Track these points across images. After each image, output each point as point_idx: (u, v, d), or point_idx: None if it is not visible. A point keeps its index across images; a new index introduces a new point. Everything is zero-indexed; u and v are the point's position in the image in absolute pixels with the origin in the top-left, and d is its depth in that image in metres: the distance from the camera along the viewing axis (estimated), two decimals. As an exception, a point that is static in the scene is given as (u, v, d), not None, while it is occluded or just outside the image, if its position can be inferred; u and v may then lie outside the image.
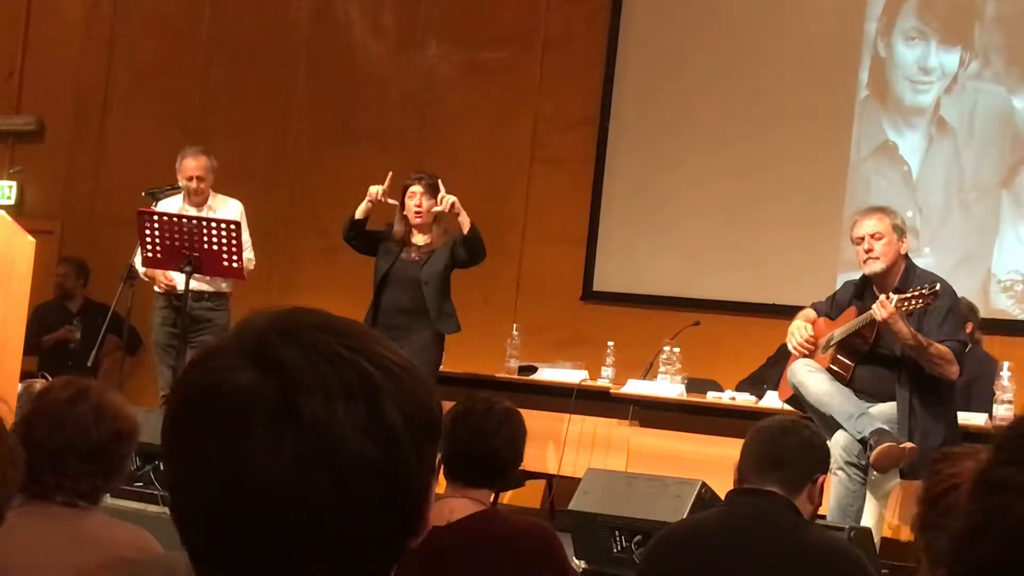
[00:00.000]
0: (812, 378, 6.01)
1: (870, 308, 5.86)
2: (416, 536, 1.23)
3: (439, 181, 7.42)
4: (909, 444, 5.72)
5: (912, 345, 5.78)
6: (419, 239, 7.44)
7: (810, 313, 6.34)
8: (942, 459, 2.46)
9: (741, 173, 9.00)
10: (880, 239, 5.98)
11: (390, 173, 7.48)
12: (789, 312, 6.59)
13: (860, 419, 5.81)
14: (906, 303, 5.70)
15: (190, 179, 7.90)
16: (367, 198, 7.44)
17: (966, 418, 6.22)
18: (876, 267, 5.99)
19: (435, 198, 7.38)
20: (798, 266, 8.63)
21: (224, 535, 1.17)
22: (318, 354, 1.18)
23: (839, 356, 6.07)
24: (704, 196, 9.13)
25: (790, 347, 6.23)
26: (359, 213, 7.45)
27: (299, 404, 1.16)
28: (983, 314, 7.63)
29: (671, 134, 9.32)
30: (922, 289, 5.70)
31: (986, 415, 6.44)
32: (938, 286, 5.71)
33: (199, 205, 7.95)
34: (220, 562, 1.19)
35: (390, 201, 7.45)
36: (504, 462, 3.72)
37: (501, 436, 3.68)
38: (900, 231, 6.02)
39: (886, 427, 5.78)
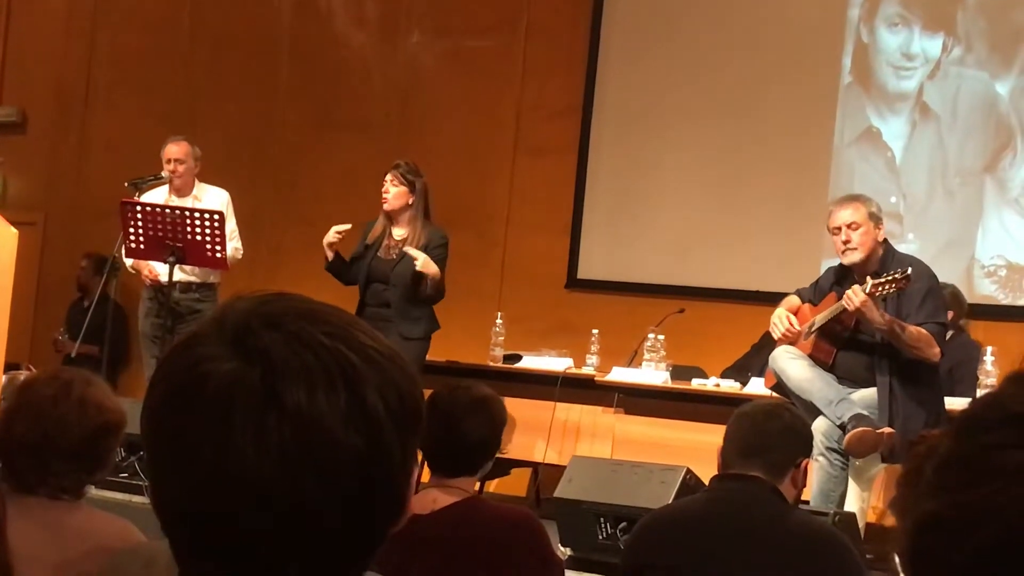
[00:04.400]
0: (792, 365, 6.04)
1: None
2: (398, 523, 1.23)
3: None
4: (887, 429, 5.75)
5: (886, 331, 5.81)
6: (397, 232, 7.41)
7: (793, 300, 6.36)
8: (920, 442, 2.47)
9: (725, 160, 9.01)
10: (857, 229, 5.98)
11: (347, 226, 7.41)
12: (773, 299, 6.61)
13: (840, 405, 5.84)
14: (880, 288, 5.73)
15: (168, 162, 7.92)
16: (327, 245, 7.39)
17: (950, 403, 6.24)
18: (855, 257, 6.00)
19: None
20: (782, 253, 8.64)
21: (206, 524, 1.17)
22: (300, 343, 1.18)
23: (820, 342, 6.09)
24: (688, 184, 9.14)
25: (774, 336, 6.26)
26: (329, 255, 7.40)
27: (282, 393, 1.16)
28: (967, 299, 7.64)
29: (654, 122, 9.32)
30: (895, 273, 5.72)
31: (970, 400, 6.45)
32: (910, 269, 5.73)
33: (181, 193, 7.95)
34: (202, 551, 1.19)
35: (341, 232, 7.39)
36: (473, 450, 3.66)
37: (469, 424, 3.62)
38: (876, 218, 6.02)
39: (865, 412, 5.80)
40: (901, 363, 5.88)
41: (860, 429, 5.72)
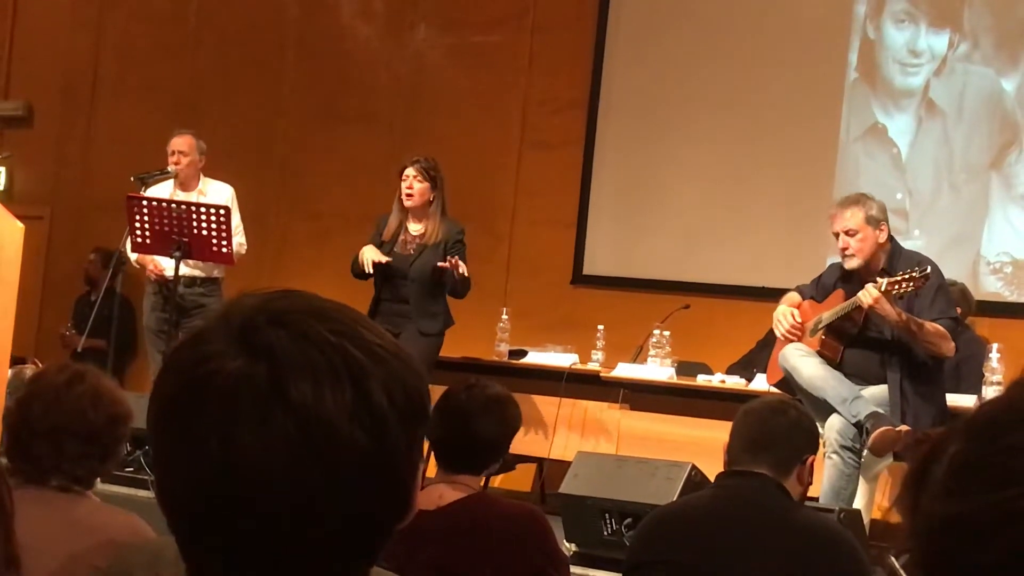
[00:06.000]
0: (804, 362, 6.00)
1: (857, 291, 5.86)
2: (404, 519, 1.23)
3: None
4: (904, 427, 5.73)
5: (903, 328, 5.79)
6: (414, 227, 7.38)
7: (794, 296, 6.34)
8: (924, 441, 2.47)
9: (730, 156, 9.00)
10: (854, 235, 5.96)
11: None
12: (779, 295, 6.59)
13: (855, 403, 5.81)
14: (896, 287, 5.70)
15: (172, 154, 7.94)
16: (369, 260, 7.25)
17: (955, 400, 6.24)
18: (853, 263, 5.98)
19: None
20: (788, 249, 8.63)
21: (211, 520, 1.18)
22: (306, 340, 1.18)
23: (828, 339, 6.07)
24: (694, 179, 9.13)
25: (778, 334, 6.23)
26: (369, 269, 7.26)
27: (287, 389, 1.16)
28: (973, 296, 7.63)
29: (660, 117, 9.31)
30: (912, 272, 5.70)
31: (975, 397, 6.46)
32: (928, 268, 5.71)
33: (186, 187, 7.96)
34: (208, 547, 1.20)
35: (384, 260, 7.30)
36: (486, 449, 3.66)
37: (484, 422, 3.62)
38: (876, 221, 5.98)
39: (880, 410, 5.78)
40: (911, 360, 5.87)
41: (883, 429, 5.68)
